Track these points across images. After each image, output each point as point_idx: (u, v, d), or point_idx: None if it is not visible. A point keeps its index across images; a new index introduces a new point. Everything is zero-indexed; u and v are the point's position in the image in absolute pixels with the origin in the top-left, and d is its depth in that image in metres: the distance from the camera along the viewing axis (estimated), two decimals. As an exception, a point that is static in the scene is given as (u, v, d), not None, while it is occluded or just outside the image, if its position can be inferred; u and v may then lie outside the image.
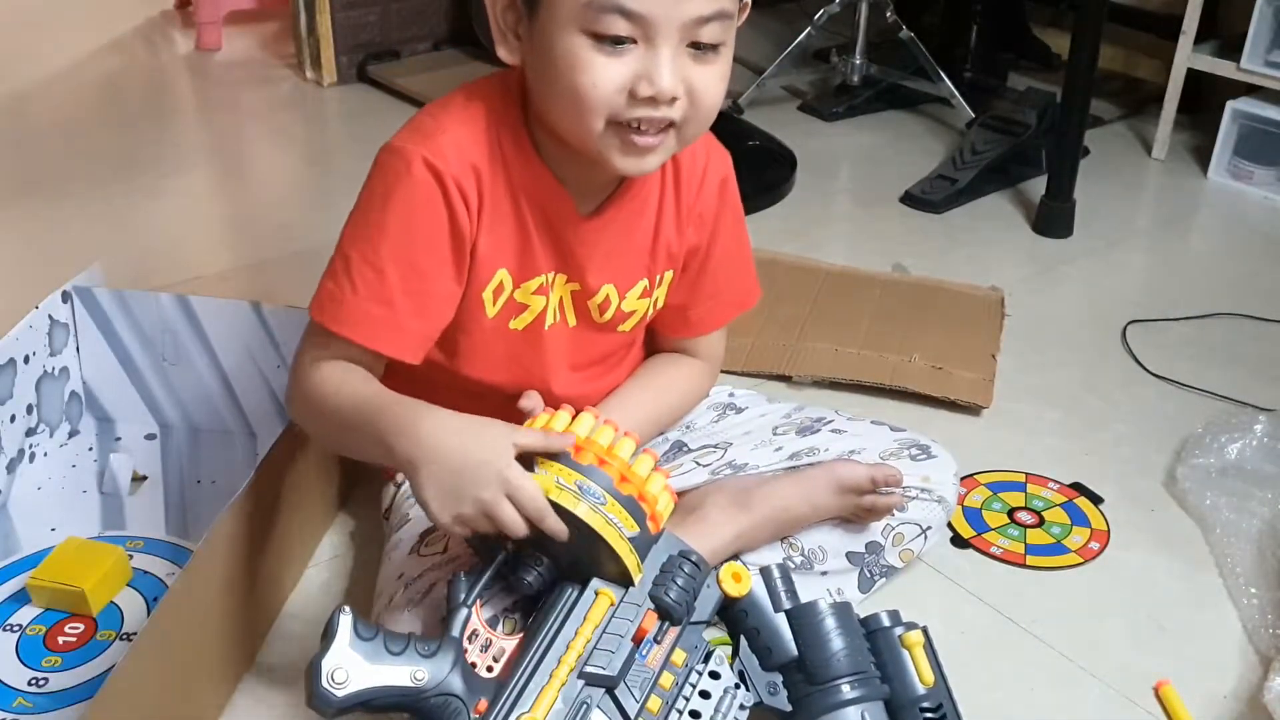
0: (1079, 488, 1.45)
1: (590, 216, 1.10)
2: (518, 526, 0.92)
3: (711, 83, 0.99)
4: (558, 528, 0.92)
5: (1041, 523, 1.39)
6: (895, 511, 1.21)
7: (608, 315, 1.16)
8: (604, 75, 0.96)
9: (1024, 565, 1.33)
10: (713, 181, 1.17)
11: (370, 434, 0.98)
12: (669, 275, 1.19)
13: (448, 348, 1.13)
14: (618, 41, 0.95)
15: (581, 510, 0.92)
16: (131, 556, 1.26)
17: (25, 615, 1.20)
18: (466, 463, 0.92)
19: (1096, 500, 1.43)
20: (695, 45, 0.97)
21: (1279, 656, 1.16)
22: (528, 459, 0.95)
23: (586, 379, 1.20)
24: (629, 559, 0.94)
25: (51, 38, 3.01)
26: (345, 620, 0.88)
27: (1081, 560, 1.34)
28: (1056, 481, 1.46)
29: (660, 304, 1.20)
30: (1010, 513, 1.40)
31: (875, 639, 1.02)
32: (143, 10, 3.18)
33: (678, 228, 1.16)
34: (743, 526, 1.14)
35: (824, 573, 1.20)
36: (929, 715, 1.00)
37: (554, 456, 0.94)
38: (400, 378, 1.12)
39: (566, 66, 0.96)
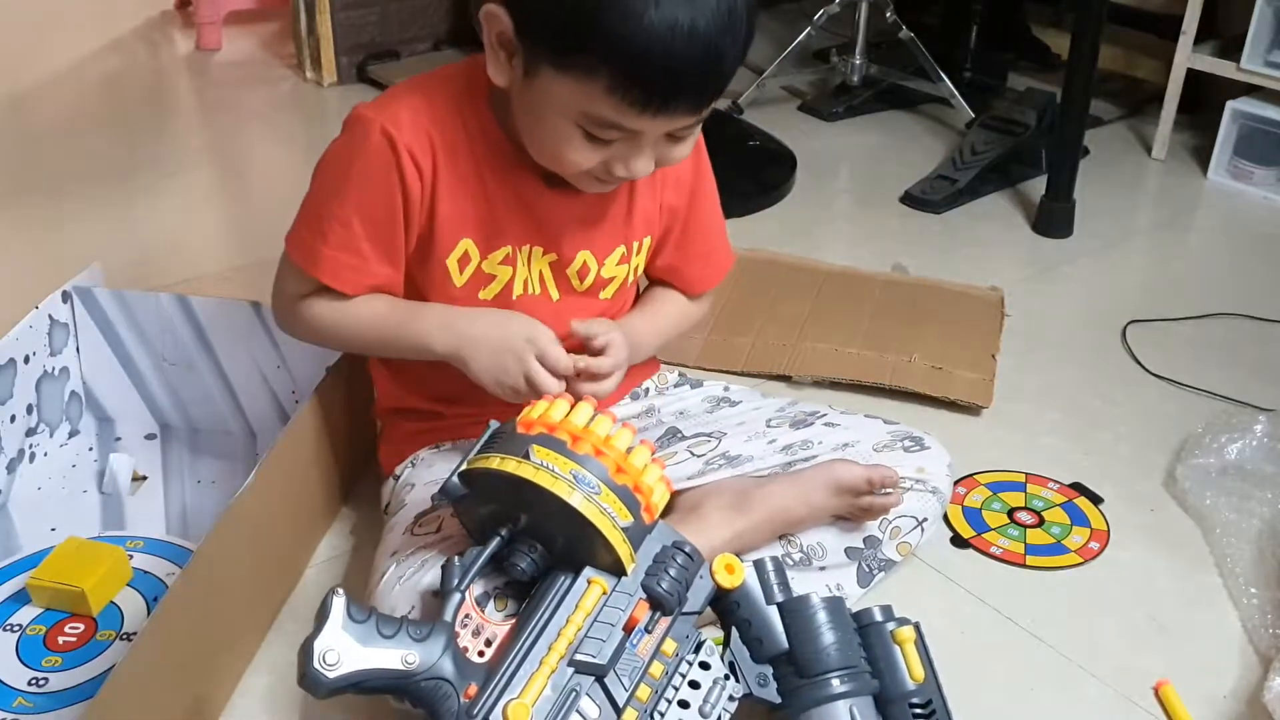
0: (1079, 488, 1.45)
1: (560, 188, 1.13)
2: (549, 382, 1.09)
3: (681, 152, 1.08)
4: (574, 365, 1.10)
5: (1041, 523, 1.39)
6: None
7: (587, 282, 1.20)
8: (586, 156, 1.05)
9: (1024, 565, 1.33)
10: None
11: (404, 342, 1.14)
12: (648, 241, 1.22)
13: None
14: (606, 141, 1.03)
15: (575, 499, 0.92)
16: (131, 556, 1.26)
17: (25, 615, 1.20)
18: (503, 340, 1.10)
19: (1096, 500, 1.43)
20: (671, 135, 1.05)
21: (1279, 656, 1.16)
22: (523, 448, 0.95)
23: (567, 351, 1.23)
24: (622, 548, 0.94)
25: (51, 38, 3.01)
26: (338, 602, 0.89)
27: (1081, 560, 1.34)
28: (1056, 481, 1.46)
29: (640, 270, 1.25)
30: (1010, 513, 1.40)
31: (867, 634, 1.02)
32: (143, 10, 3.18)
33: (652, 192, 1.20)
34: (741, 527, 1.14)
35: (822, 568, 1.20)
36: (919, 711, 1.00)
37: (550, 445, 0.95)
38: (400, 374, 1.18)
39: (554, 139, 1.04)
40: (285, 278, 1.18)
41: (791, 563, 1.18)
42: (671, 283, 1.29)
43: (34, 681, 1.13)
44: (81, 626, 1.19)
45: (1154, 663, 1.19)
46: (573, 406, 0.98)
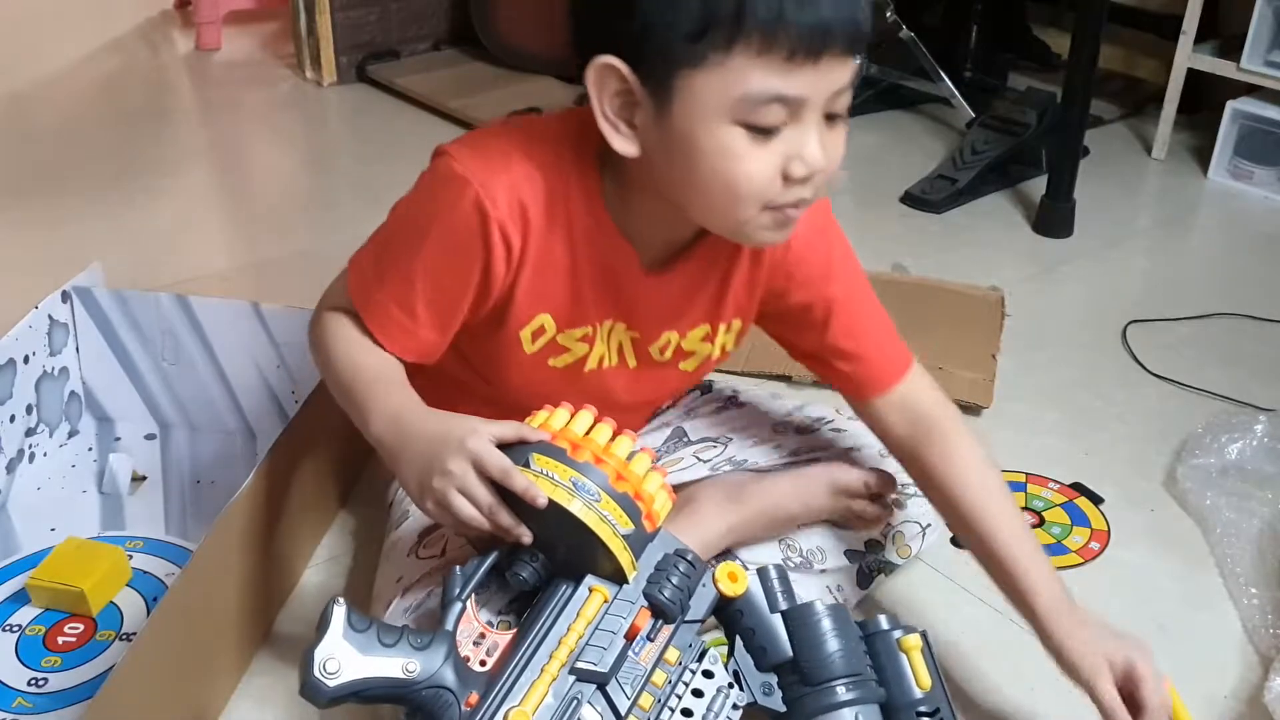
0: (1079, 488, 1.45)
1: (655, 272, 1.07)
2: (484, 497, 0.93)
3: (841, 144, 0.97)
4: (529, 489, 0.91)
5: (1042, 523, 1.39)
6: (895, 510, 1.22)
7: (668, 355, 1.14)
8: (759, 165, 0.93)
9: (1024, 565, 1.33)
10: (804, 231, 1.07)
11: (355, 404, 1.03)
12: (736, 324, 1.16)
13: (486, 371, 1.12)
14: (771, 130, 0.92)
15: (575, 507, 0.92)
16: (131, 556, 1.26)
17: (25, 615, 1.20)
18: (436, 441, 0.95)
19: (1096, 500, 1.43)
20: (829, 115, 0.95)
21: (1279, 656, 1.16)
22: (523, 457, 0.95)
23: (641, 418, 1.21)
24: (622, 556, 0.94)
25: (51, 38, 3.01)
26: (339, 611, 0.88)
27: (1081, 560, 1.34)
28: (1056, 481, 1.46)
29: (728, 348, 1.17)
30: (1010, 513, 1.40)
31: (873, 642, 1.01)
32: (143, 10, 3.18)
33: (750, 281, 1.12)
34: (734, 520, 1.14)
35: (823, 570, 1.20)
36: (926, 719, 0.99)
37: (550, 453, 0.94)
38: (438, 389, 1.10)
39: (717, 159, 0.93)
40: (335, 291, 1.09)
41: (791, 566, 1.17)
42: (853, 376, 1.17)
43: (34, 682, 1.13)
44: (81, 626, 1.19)
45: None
46: (573, 414, 0.98)
